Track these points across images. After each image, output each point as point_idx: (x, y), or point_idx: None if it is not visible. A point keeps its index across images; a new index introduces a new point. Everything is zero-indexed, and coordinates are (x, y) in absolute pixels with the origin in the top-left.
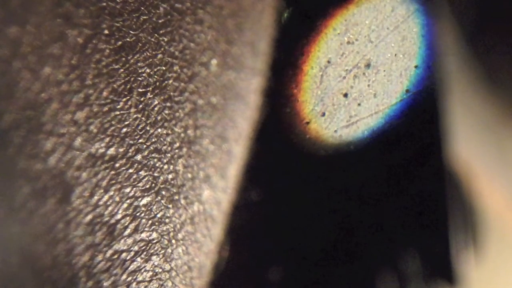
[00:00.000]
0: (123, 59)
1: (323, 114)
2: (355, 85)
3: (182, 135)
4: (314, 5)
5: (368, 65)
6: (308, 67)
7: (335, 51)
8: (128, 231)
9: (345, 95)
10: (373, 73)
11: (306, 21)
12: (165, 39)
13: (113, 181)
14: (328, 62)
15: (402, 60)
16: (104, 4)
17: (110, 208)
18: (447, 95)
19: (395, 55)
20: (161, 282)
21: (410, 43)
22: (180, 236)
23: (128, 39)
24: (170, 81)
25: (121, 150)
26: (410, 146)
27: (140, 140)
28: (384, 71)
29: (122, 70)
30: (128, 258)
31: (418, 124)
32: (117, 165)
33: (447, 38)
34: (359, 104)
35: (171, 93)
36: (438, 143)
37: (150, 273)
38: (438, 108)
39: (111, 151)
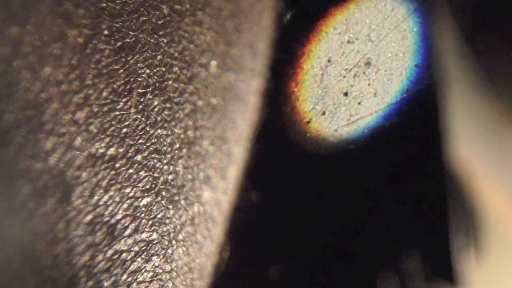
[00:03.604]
0: (123, 59)
1: (324, 113)
2: (355, 84)
3: (182, 136)
4: (314, 4)
5: (368, 64)
6: (308, 66)
7: (336, 50)
8: (128, 232)
9: (346, 94)
10: (373, 72)
11: (306, 20)
12: (165, 40)
13: (113, 181)
14: (329, 61)
15: (402, 59)
16: (104, 4)
17: (110, 208)
18: (447, 95)
19: (395, 54)
20: (161, 283)
21: (410, 42)
22: (180, 237)
23: (127, 40)
24: (170, 82)
25: (121, 150)
26: (410, 145)
27: (140, 141)
28: (385, 70)
29: (122, 70)
30: (128, 258)
31: (418, 123)
32: (117, 165)
33: (447, 37)
34: (359, 103)
35: (171, 94)
36: (438, 142)
37: (151, 273)
38: (438, 107)
39: (111, 151)
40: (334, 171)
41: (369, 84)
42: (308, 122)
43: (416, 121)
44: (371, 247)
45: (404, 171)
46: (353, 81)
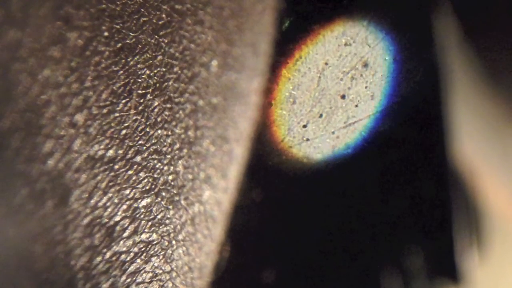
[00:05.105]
0: (123, 60)
1: (321, 116)
2: (352, 86)
3: (183, 136)
4: (312, 7)
5: (365, 67)
6: (305, 69)
7: (333, 53)
8: (127, 233)
9: (343, 96)
10: (370, 74)
11: (304, 23)
12: (165, 41)
13: (112, 183)
14: (326, 63)
15: (399, 61)
16: (104, 6)
17: (109, 210)
18: (450, 94)
19: (393, 56)
20: (161, 283)
21: (408, 44)
22: (180, 237)
23: (128, 41)
24: (170, 82)
25: (120, 152)
26: (407, 147)
27: (139, 142)
28: (382, 72)
29: (121, 72)
30: (127, 259)
31: (415, 125)
32: (116, 167)
33: (450, 36)
34: (356, 106)
35: (171, 94)
36: (435, 144)
37: (150, 274)
38: (436, 109)
39: (110, 153)
40: (332, 173)
41: (366, 87)
42: (305, 125)
43: (414, 123)
44: (374, 246)
45: (402, 172)
46: (350, 83)
